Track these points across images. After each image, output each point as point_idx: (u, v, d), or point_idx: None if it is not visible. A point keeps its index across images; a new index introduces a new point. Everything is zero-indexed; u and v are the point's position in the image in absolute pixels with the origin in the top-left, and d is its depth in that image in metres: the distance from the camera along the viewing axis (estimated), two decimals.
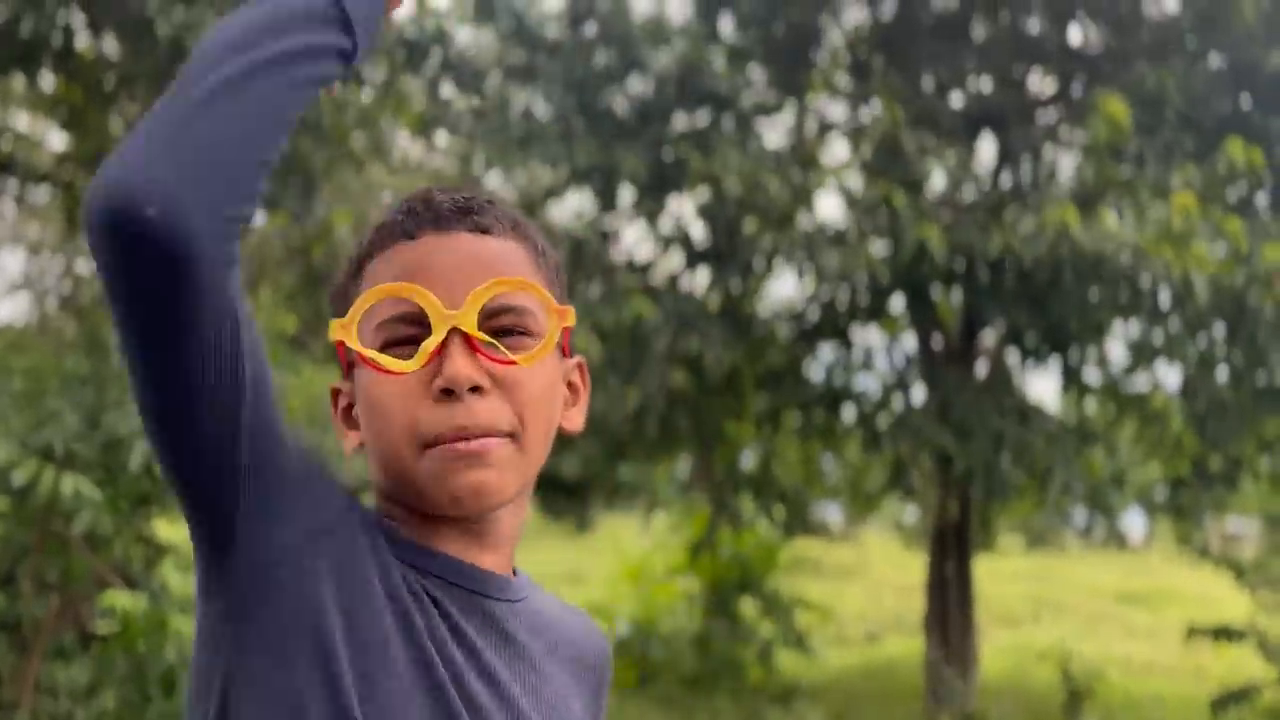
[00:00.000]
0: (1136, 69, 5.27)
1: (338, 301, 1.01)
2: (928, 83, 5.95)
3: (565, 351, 1.00)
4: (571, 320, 0.97)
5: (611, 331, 5.21)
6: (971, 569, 7.79)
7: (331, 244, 9.03)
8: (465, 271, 0.92)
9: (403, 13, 7.02)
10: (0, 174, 9.00)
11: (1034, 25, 6.07)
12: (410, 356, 0.90)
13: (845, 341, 6.45)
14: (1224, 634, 6.78)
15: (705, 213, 5.60)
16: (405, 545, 0.93)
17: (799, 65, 6.44)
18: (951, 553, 7.75)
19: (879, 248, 5.11)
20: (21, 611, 5.57)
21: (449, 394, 0.89)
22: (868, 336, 6.54)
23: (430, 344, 0.89)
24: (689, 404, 6.01)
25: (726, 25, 6.90)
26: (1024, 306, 5.48)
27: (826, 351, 6.47)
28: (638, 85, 6.04)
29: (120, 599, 4.87)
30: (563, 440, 1.04)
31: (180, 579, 5.08)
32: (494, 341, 0.90)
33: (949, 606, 7.67)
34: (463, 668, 0.91)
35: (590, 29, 5.96)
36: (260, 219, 9.46)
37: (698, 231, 5.91)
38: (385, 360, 0.90)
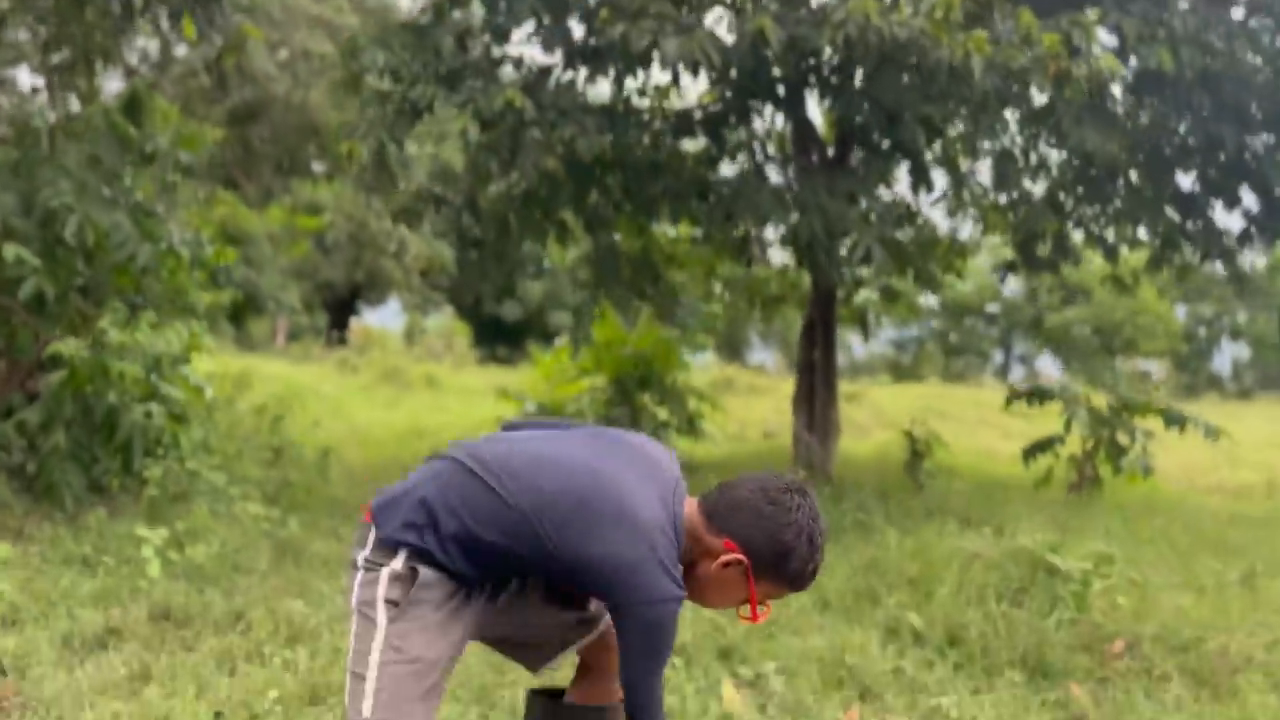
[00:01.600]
0: None
1: (761, 555, 2.10)
2: None
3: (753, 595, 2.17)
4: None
5: (493, 119, 5.94)
6: (834, 354, 8.76)
7: (244, 59, 8.94)
8: None
9: None
10: None
11: None
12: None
13: (717, 136, 7.21)
14: (1037, 394, 7.89)
15: (577, 7, 6.25)
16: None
17: None
18: (819, 340, 8.70)
19: (725, 40, 5.81)
20: None
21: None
22: (738, 135, 7.33)
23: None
24: (567, 189, 6.77)
25: None
26: (862, 102, 6.25)
27: (698, 144, 7.23)
28: None
29: (65, 347, 5.58)
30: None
31: (117, 332, 5.74)
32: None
33: (815, 385, 8.66)
34: None
35: None
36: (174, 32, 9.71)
37: (577, 31, 6.56)
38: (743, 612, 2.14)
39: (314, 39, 20.01)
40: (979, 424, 16.02)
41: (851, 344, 36.28)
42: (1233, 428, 9.19)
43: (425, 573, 2.02)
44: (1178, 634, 4.35)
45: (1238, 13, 7.47)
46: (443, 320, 37.80)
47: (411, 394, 14.89)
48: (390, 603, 2.02)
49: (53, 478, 5.66)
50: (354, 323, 37.88)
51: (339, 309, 37.49)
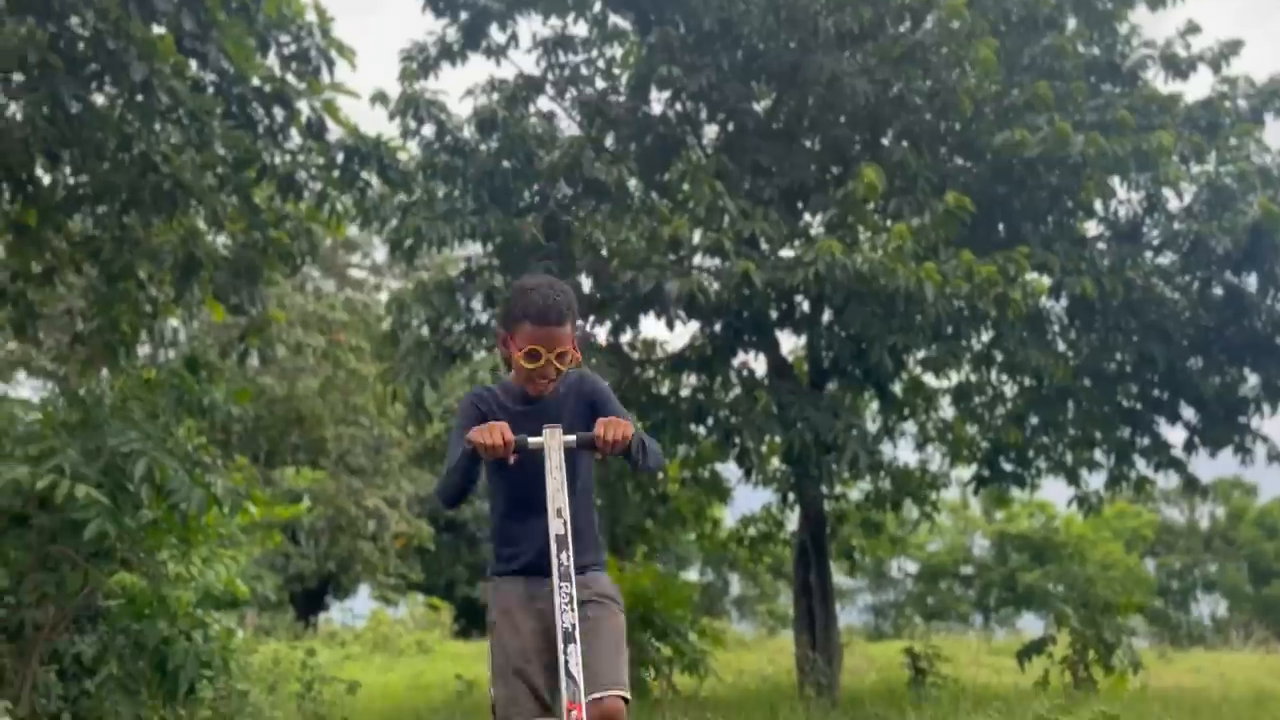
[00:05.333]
0: (892, 150, 7.27)
1: (504, 319, 3.00)
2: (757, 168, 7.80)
3: (574, 342, 2.94)
4: (576, 334, 2.99)
5: None
6: (829, 575, 9.25)
7: (268, 337, 9.71)
8: (553, 342, 2.89)
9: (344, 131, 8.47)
10: None
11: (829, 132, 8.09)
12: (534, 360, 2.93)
13: (709, 371, 8.12)
14: (1041, 644, 8.36)
15: (588, 268, 7.30)
16: (504, 391, 3.00)
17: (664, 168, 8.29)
18: (813, 562, 9.21)
19: (713, 283, 6.82)
20: (24, 618, 6.42)
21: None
22: (726, 370, 8.27)
23: (542, 362, 2.91)
24: None
25: (608, 139, 8.76)
26: (832, 336, 7.24)
27: (691, 379, 8.11)
28: (534, 177, 7.78)
29: (127, 578, 5.99)
30: None
31: (174, 565, 6.15)
32: (555, 363, 2.94)
33: (814, 606, 9.08)
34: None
35: (494, 139, 7.70)
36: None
37: (586, 285, 7.58)
38: (523, 361, 2.91)
39: (309, 334, 21.39)
40: (971, 664, 16.09)
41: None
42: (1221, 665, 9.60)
43: None
44: None
45: (1149, 251, 8.72)
46: (413, 609, 37.22)
47: (406, 659, 14.85)
48: None
49: (103, 708, 5.88)
50: (323, 618, 37.17)
51: (308, 602, 36.88)
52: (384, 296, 22.05)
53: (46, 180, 8.22)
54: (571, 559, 2.68)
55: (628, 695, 2.78)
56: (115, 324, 8.85)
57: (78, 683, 6.23)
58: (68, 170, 8.32)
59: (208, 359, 7.69)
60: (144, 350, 16.12)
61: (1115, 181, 8.10)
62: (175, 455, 6.93)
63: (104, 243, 8.42)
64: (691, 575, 33.72)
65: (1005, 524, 41.06)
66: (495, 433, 2.73)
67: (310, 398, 25.83)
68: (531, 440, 2.80)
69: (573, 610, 2.61)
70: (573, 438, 2.83)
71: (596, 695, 2.68)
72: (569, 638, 2.57)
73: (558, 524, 2.71)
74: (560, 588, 2.63)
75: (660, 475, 10.19)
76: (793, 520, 10.67)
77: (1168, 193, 8.38)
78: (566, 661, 2.56)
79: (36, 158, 7.77)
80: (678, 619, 10.37)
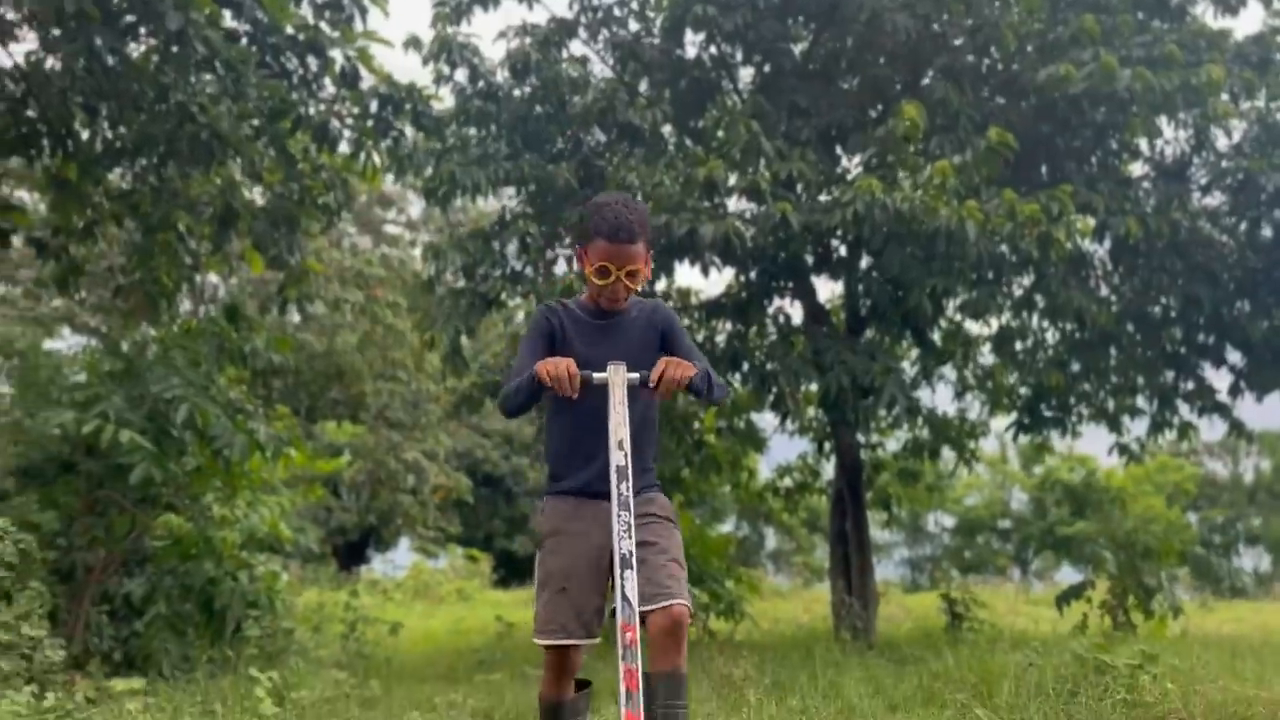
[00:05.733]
0: (933, 88, 7.10)
1: (580, 235, 3.05)
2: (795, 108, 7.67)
3: (647, 260, 2.99)
4: (650, 252, 3.05)
5: None
6: (866, 523, 9.23)
7: (306, 290, 9.79)
8: (624, 259, 2.92)
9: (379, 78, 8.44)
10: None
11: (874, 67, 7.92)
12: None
13: (744, 318, 8.07)
14: (1080, 588, 8.30)
15: None
16: (578, 305, 3.07)
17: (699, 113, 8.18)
18: (849, 510, 9.19)
19: (749, 228, 6.75)
20: (76, 561, 6.59)
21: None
22: (762, 316, 8.21)
23: (612, 279, 2.95)
24: None
25: (643, 84, 8.66)
26: (870, 280, 7.14)
27: (727, 327, 8.06)
28: (567, 122, 7.71)
29: (173, 520, 6.12)
30: None
31: (219, 508, 6.28)
32: (625, 281, 2.97)
33: (850, 553, 9.07)
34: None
35: (528, 84, 7.63)
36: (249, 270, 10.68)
37: None
38: (594, 277, 2.95)
39: (346, 290, 21.52)
40: (1008, 614, 16.08)
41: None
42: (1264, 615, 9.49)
43: None
44: (1226, 707, 4.66)
45: (1196, 191, 8.51)
46: (453, 561, 37.73)
47: (446, 606, 15.09)
48: None
49: (153, 646, 6.03)
50: (364, 570, 37.81)
51: (350, 554, 37.48)
52: (419, 252, 22.10)
53: (85, 134, 8.28)
54: (631, 488, 2.73)
55: (691, 606, 2.85)
56: (155, 277, 8.95)
57: (128, 624, 6.38)
58: (105, 124, 8.39)
59: (245, 312, 7.74)
60: (185, 306, 16.31)
61: (1162, 120, 7.89)
62: (218, 402, 7.03)
63: (143, 196, 8.49)
64: (727, 528, 33.90)
65: (1044, 477, 40.71)
66: (561, 368, 2.80)
67: (349, 353, 26.06)
68: (596, 376, 2.87)
69: (630, 538, 2.66)
70: (635, 375, 2.89)
71: (662, 604, 2.77)
72: (626, 563, 2.62)
73: (619, 455, 2.78)
74: (619, 515, 2.68)
75: (696, 425, 10.19)
76: (828, 470, 10.64)
77: (1216, 130, 8.16)
78: (624, 585, 2.61)
79: (75, 111, 7.85)
80: (714, 569, 10.43)
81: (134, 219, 8.69)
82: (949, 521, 47.17)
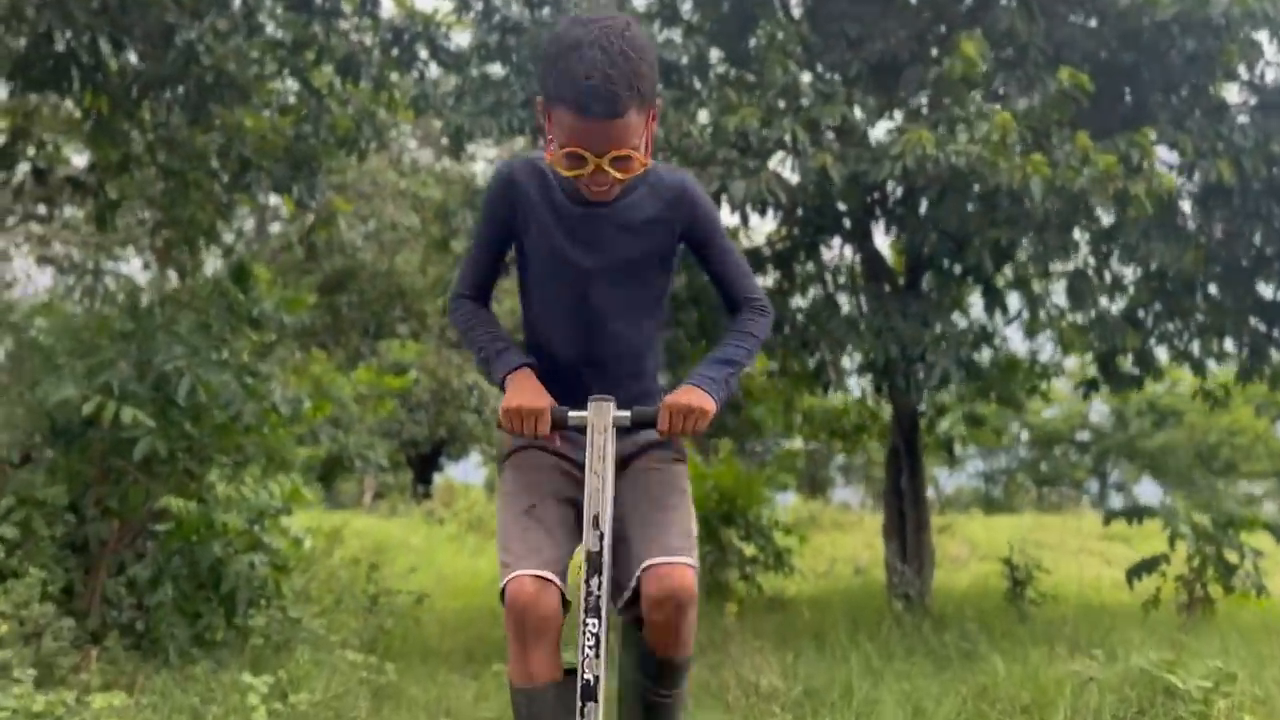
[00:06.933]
0: (999, 16, 6.25)
1: (543, 83, 1.99)
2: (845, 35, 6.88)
3: (649, 129, 2.02)
4: (657, 111, 2.06)
5: None
6: (923, 479, 8.68)
7: (334, 232, 9.49)
8: (604, 141, 1.94)
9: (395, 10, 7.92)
10: (35, 184, 9.90)
11: None
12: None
13: (788, 271, 7.44)
14: (1136, 513, 7.68)
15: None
16: (556, 176, 2.13)
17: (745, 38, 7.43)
18: (904, 467, 8.64)
19: (790, 180, 6.07)
20: (89, 533, 6.39)
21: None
22: (808, 268, 7.55)
23: (588, 169, 2.00)
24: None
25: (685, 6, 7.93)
26: (928, 231, 6.43)
27: (769, 281, 7.47)
28: None
29: (175, 502, 5.85)
30: None
31: (224, 486, 6.01)
32: (611, 170, 2.00)
33: (905, 511, 8.56)
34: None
35: (545, 11, 6.97)
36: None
37: None
38: (562, 165, 2.02)
39: (400, 211, 21.15)
40: (1079, 552, 15.47)
41: (939, 477, 35.59)
42: None
43: None
44: None
45: None
46: None
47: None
48: None
49: (160, 631, 5.83)
50: (437, 478, 38.49)
51: (423, 465, 38.15)
52: (480, 166, 21.55)
53: (114, 65, 7.95)
54: (605, 588, 2.04)
55: (694, 563, 2.13)
56: (190, 215, 8.73)
57: (141, 603, 6.19)
58: (134, 57, 8.05)
59: (259, 268, 7.39)
60: (228, 238, 16.15)
61: (1264, 36, 6.91)
62: (230, 366, 6.72)
63: (177, 129, 8.19)
64: (797, 443, 33.46)
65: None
66: (530, 420, 2.08)
67: (411, 273, 25.86)
68: (572, 415, 2.13)
69: (597, 657, 2.02)
70: (626, 415, 2.14)
71: (654, 561, 2.10)
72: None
73: (592, 538, 2.05)
74: (586, 624, 2.02)
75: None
76: (887, 412, 10.04)
77: None
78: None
79: (100, 43, 7.48)
80: (758, 517, 10.02)
81: (165, 154, 8.41)
82: (1024, 435, 46.12)
